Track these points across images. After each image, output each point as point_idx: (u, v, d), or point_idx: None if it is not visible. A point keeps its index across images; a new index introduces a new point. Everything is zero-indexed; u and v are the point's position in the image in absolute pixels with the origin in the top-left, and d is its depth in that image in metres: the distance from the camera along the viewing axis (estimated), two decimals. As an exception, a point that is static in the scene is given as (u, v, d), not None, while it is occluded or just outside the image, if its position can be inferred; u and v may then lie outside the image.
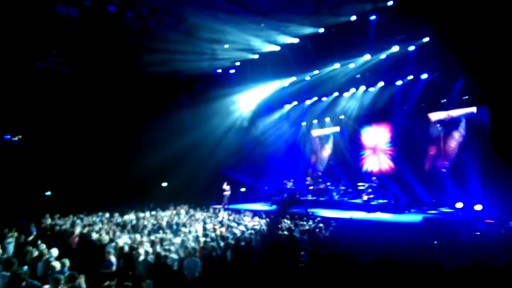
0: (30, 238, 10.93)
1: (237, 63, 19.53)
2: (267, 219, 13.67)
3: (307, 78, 19.01)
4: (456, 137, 16.30)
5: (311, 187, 20.12)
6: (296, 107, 22.03)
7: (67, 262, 7.42)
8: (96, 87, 19.09)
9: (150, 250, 8.82)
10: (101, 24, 15.54)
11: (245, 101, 21.54)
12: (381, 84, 17.78)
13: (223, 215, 15.28)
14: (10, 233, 10.44)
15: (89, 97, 19.07)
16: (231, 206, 18.49)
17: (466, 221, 13.19)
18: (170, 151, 19.07)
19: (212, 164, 20.29)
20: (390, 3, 13.73)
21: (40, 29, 15.36)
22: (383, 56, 15.83)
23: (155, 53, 16.67)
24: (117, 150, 19.53)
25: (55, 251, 8.33)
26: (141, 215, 14.78)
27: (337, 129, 21.54)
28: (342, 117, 20.80)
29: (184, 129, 19.95)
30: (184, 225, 12.79)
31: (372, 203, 16.34)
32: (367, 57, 16.16)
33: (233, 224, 12.75)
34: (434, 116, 17.01)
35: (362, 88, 18.61)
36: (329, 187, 19.58)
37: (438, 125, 16.88)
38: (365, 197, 16.55)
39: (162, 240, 9.99)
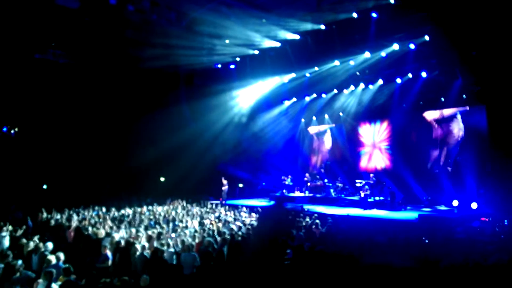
0: (25, 231, 10.92)
1: (237, 59, 19.48)
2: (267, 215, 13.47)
3: (307, 74, 18.99)
4: (455, 135, 16.32)
5: (308, 184, 20.16)
6: (295, 104, 22.02)
7: (62, 256, 7.43)
8: (96, 81, 19.03)
9: (146, 245, 8.85)
10: (102, 17, 15.46)
11: (244, 97, 21.51)
12: (380, 82, 17.78)
13: (221, 210, 15.31)
14: (4, 226, 10.43)
15: (88, 90, 19.02)
16: (229, 202, 18.52)
17: (461, 219, 13.27)
18: (168, 146, 19.07)
19: (210, 159, 20.31)
20: (391, 0, 13.69)
21: (41, 20, 15.27)
22: (383, 54, 15.81)
23: (155, 47, 16.61)
24: (114, 144, 19.52)
25: (50, 245, 8.34)
26: (138, 209, 14.80)
27: (332, 124, 21.56)
28: (341, 114, 20.80)
29: (183, 124, 19.93)
30: (181, 220, 12.81)
31: (369, 200, 16.40)
32: (367, 54, 16.13)
33: (230, 219, 12.78)
34: (429, 115, 17.00)
35: (362, 85, 18.60)
36: (327, 184, 19.63)
37: (436, 125, 16.89)
38: (362, 194, 16.60)
39: (159, 235, 10.01)
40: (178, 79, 20.58)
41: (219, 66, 20.23)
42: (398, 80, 17.06)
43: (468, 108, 15.84)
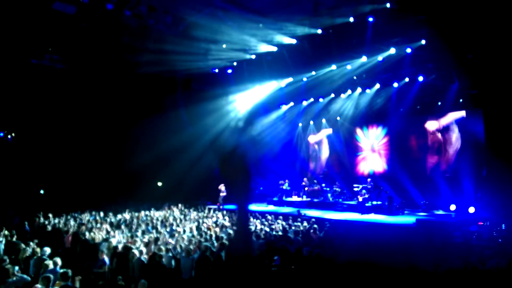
0: (23, 236, 10.87)
1: (235, 63, 19.52)
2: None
3: (304, 79, 19.04)
4: (453, 142, 16.38)
5: (306, 188, 20.15)
6: (293, 108, 22.05)
7: (59, 261, 7.39)
8: (93, 86, 19.00)
9: (144, 249, 8.81)
10: (99, 22, 15.47)
11: (241, 101, 21.52)
12: (377, 86, 17.84)
13: (218, 215, 15.27)
14: (1, 231, 10.38)
15: (85, 95, 18.99)
16: (226, 207, 18.48)
17: (459, 223, 13.28)
18: (165, 150, 19.04)
19: (207, 164, 20.28)
20: (388, 5, 13.78)
21: (37, 26, 15.26)
22: (380, 58, 15.88)
23: (152, 51, 16.62)
24: (112, 149, 19.48)
25: (47, 250, 8.30)
26: (135, 214, 14.75)
27: (329, 131, 21.60)
28: (338, 118, 20.85)
29: (180, 128, 19.91)
30: (179, 225, 12.77)
31: (366, 204, 16.40)
32: (364, 59, 16.20)
33: (228, 224, 12.75)
34: (430, 126, 17.06)
35: (359, 90, 18.66)
36: (324, 188, 19.63)
37: (433, 133, 16.95)
38: (360, 199, 16.60)
39: (156, 240, 9.97)
40: (175, 83, 20.59)
41: (216, 70, 20.26)
42: (395, 85, 17.11)
43: (464, 114, 15.88)
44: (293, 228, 12.15)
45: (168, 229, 11.91)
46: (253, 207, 18.60)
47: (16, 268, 6.86)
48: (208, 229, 11.75)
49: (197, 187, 19.65)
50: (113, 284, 6.70)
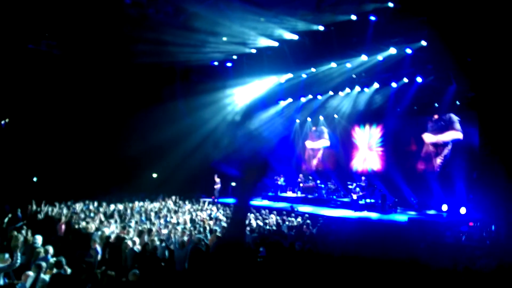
0: (14, 223, 10.82)
1: (234, 57, 19.44)
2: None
3: (303, 75, 19.01)
4: (443, 155, 16.58)
5: (301, 185, 20.21)
6: (291, 104, 22.04)
7: (50, 249, 7.38)
8: (89, 73, 18.84)
9: (137, 240, 8.81)
10: (98, 9, 15.32)
11: (240, 95, 21.47)
12: (376, 85, 17.84)
13: (212, 208, 15.30)
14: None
15: (81, 83, 18.83)
16: (221, 200, 18.50)
17: (450, 223, 13.39)
18: (161, 141, 18.99)
19: (203, 156, 20.26)
20: (391, 4, 13.74)
21: (35, 11, 15.08)
22: (380, 57, 15.87)
23: (152, 41, 16.50)
24: (107, 138, 19.37)
25: (39, 238, 8.27)
26: (129, 205, 14.73)
27: (327, 143, 21.69)
28: (335, 116, 20.86)
29: (177, 119, 19.84)
30: (173, 216, 12.78)
31: (360, 202, 16.49)
32: (364, 57, 16.18)
33: (222, 217, 12.78)
34: (427, 138, 17.13)
35: (357, 88, 18.66)
36: (319, 185, 19.70)
37: (431, 146, 17.05)
38: (354, 196, 16.68)
39: (150, 231, 9.97)
40: (174, 74, 20.48)
41: (216, 63, 20.17)
42: (394, 85, 17.11)
43: (461, 137, 16.01)
44: (287, 223, 12.21)
45: (162, 221, 11.92)
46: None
47: (7, 255, 6.84)
48: (202, 221, 11.77)
49: (192, 179, 19.62)
50: (104, 273, 6.71)
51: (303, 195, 19.63)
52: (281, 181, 20.49)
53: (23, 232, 8.98)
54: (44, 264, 6.23)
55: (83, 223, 10.64)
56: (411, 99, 17.00)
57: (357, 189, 16.99)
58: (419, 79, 16.03)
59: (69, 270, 6.63)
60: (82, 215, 12.02)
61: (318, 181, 20.01)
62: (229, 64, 20.10)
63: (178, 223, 11.34)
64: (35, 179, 19.24)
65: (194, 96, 19.59)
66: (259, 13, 15.58)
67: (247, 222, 11.86)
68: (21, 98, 18.30)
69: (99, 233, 9.42)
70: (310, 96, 20.89)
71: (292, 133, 23.26)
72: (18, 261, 6.63)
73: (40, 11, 15.13)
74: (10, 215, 11.37)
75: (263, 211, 14.23)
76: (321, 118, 21.81)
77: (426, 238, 10.70)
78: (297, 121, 22.98)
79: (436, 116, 16.94)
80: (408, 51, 14.83)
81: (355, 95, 19.06)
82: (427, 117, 17.21)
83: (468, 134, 15.55)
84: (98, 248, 8.43)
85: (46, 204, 13.57)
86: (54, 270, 6.48)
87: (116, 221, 11.58)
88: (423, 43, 14.30)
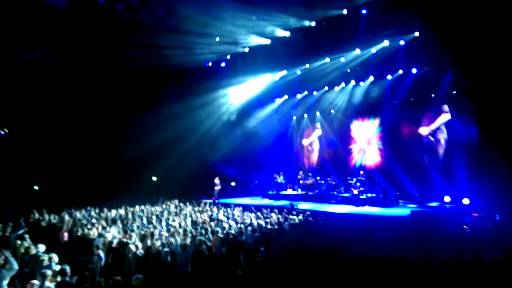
0: (17, 231, 10.79)
1: (228, 57, 19.44)
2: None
3: (298, 72, 19.01)
4: (442, 143, 16.58)
5: (301, 182, 20.21)
6: (287, 101, 22.04)
7: (55, 256, 7.37)
8: (85, 80, 18.79)
9: (140, 244, 8.79)
10: (91, 16, 15.28)
11: (235, 95, 21.48)
12: (371, 78, 17.86)
13: (213, 209, 15.28)
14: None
15: (78, 90, 18.78)
16: (221, 201, 18.48)
17: (453, 214, 13.40)
18: (160, 145, 18.96)
19: (202, 158, 20.24)
20: (381, -4, 13.77)
21: (29, 20, 15.03)
22: (373, 50, 15.89)
23: (145, 45, 16.48)
24: (106, 144, 19.32)
25: (42, 246, 8.25)
26: (130, 209, 14.69)
27: (319, 132, 21.75)
28: (332, 111, 20.87)
29: (174, 123, 19.82)
30: (174, 219, 12.76)
31: (361, 197, 16.49)
32: (357, 51, 16.20)
33: (223, 218, 12.75)
34: (422, 131, 17.16)
35: (353, 82, 18.67)
36: (319, 181, 19.70)
37: (429, 136, 17.07)
38: (354, 191, 16.69)
39: (152, 234, 9.95)
40: (169, 77, 20.46)
41: (210, 64, 20.16)
42: (389, 77, 17.14)
43: (450, 117, 16.03)
44: (288, 221, 12.20)
45: (163, 224, 11.89)
46: (248, 200, 18.63)
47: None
48: (204, 223, 11.75)
49: (190, 181, 19.61)
50: (108, 280, 6.69)
51: (304, 192, 19.62)
52: (280, 179, 20.48)
53: (27, 240, 8.96)
54: (49, 272, 6.23)
55: (85, 230, 10.61)
56: (407, 91, 17.03)
57: (358, 184, 17.00)
58: (414, 71, 16.05)
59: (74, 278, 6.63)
60: (84, 222, 11.98)
61: (318, 178, 20.02)
62: (223, 64, 20.10)
63: (180, 226, 11.32)
64: (36, 187, 19.19)
65: (189, 98, 19.58)
66: (251, 12, 15.58)
67: (248, 222, 11.88)
68: (19, 108, 18.25)
69: (102, 239, 9.39)
70: (306, 92, 20.93)
71: (289, 130, 23.25)
72: (16, 265, 6.66)
73: (33, 20, 15.08)
74: (12, 224, 11.33)
75: (264, 210, 14.22)
76: (317, 114, 21.81)
77: (430, 232, 10.68)
78: (294, 118, 22.97)
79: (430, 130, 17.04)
80: (402, 42, 14.86)
81: (350, 89, 19.08)
82: (424, 109, 17.21)
83: (466, 124, 15.53)
84: (101, 254, 8.41)
85: (48, 212, 13.54)
86: (59, 278, 6.47)
87: (118, 226, 11.55)
88: (416, 34, 14.33)
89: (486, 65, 13.36)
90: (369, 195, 16.73)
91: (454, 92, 15.91)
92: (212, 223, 11.80)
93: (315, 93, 20.63)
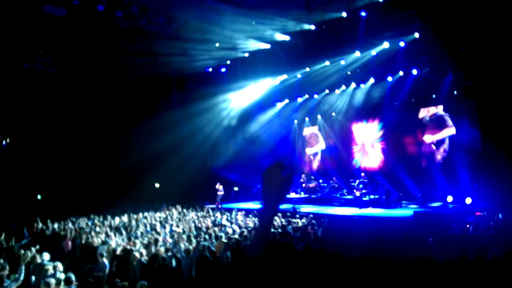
0: (22, 241, 10.84)
1: (228, 62, 19.50)
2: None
3: (298, 75, 19.05)
4: (441, 153, 16.53)
5: (304, 185, 20.20)
6: (288, 105, 22.07)
7: (59, 265, 7.38)
8: (86, 89, 18.89)
9: (144, 251, 8.80)
10: (90, 24, 15.35)
11: (236, 100, 21.53)
12: (372, 81, 17.88)
13: (216, 214, 15.29)
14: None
15: (79, 98, 18.87)
16: (224, 206, 18.48)
17: (456, 214, 13.36)
18: (162, 151, 19.00)
19: (204, 163, 20.26)
20: (380, -1, 13.80)
21: (28, 30, 15.13)
22: (373, 52, 15.92)
23: (145, 52, 16.55)
24: (107, 152, 19.38)
25: (47, 255, 8.27)
26: (134, 216, 14.72)
27: (323, 146, 21.73)
28: (333, 114, 20.88)
29: (175, 129, 19.87)
30: (178, 225, 12.78)
31: (364, 198, 16.48)
32: (357, 54, 16.23)
33: (227, 223, 12.77)
34: (426, 138, 17.11)
35: (353, 85, 18.69)
36: (322, 184, 19.68)
37: (431, 145, 17.04)
38: (357, 193, 16.67)
39: (156, 241, 9.96)
40: (170, 84, 20.53)
41: (210, 70, 20.23)
42: (389, 79, 17.16)
43: (454, 132, 16.01)
44: (292, 224, 12.19)
45: (167, 230, 11.91)
46: (251, 205, 18.61)
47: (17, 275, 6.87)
48: (207, 228, 11.76)
49: (194, 187, 19.61)
50: (114, 286, 6.71)
51: (306, 195, 19.60)
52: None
53: (32, 250, 8.98)
54: (53, 281, 6.24)
55: (89, 238, 10.64)
56: (408, 92, 17.03)
57: (360, 185, 16.99)
58: (414, 72, 16.06)
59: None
60: (88, 230, 12.01)
61: (321, 181, 19.99)
62: (223, 70, 20.16)
63: (183, 231, 11.34)
64: (39, 196, 19.25)
65: (190, 104, 19.63)
66: (250, 16, 15.63)
67: (252, 226, 11.88)
68: (21, 118, 18.36)
69: (106, 246, 9.41)
70: (307, 96, 20.94)
71: (291, 133, 23.25)
72: (22, 275, 6.68)
73: (33, 30, 15.17)
74: (16, 234, 11.38)
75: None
76: (319, 117, 21.82)
77: (433, 232, 10.67)
78: (295, 121, 22.99)
79: (428, 111, 16.89)
80: (402, 44, 14.88)
81: (351, 91, 19.11)
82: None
83: (468, 124, 15.51)
84: (106, 261, 8.43)
85: (51, 221, 13.58)
86: (64, 287, 6.48)
87: (121, 234, 11.57)
88: (416, 35, 14.34)
89: (487, 64, 13.36)
90: (371, 196, 16.71)
91: (455, 92, 15.91)
92: (216, 228, 11.81)
93: (315, 96, 20.65)
